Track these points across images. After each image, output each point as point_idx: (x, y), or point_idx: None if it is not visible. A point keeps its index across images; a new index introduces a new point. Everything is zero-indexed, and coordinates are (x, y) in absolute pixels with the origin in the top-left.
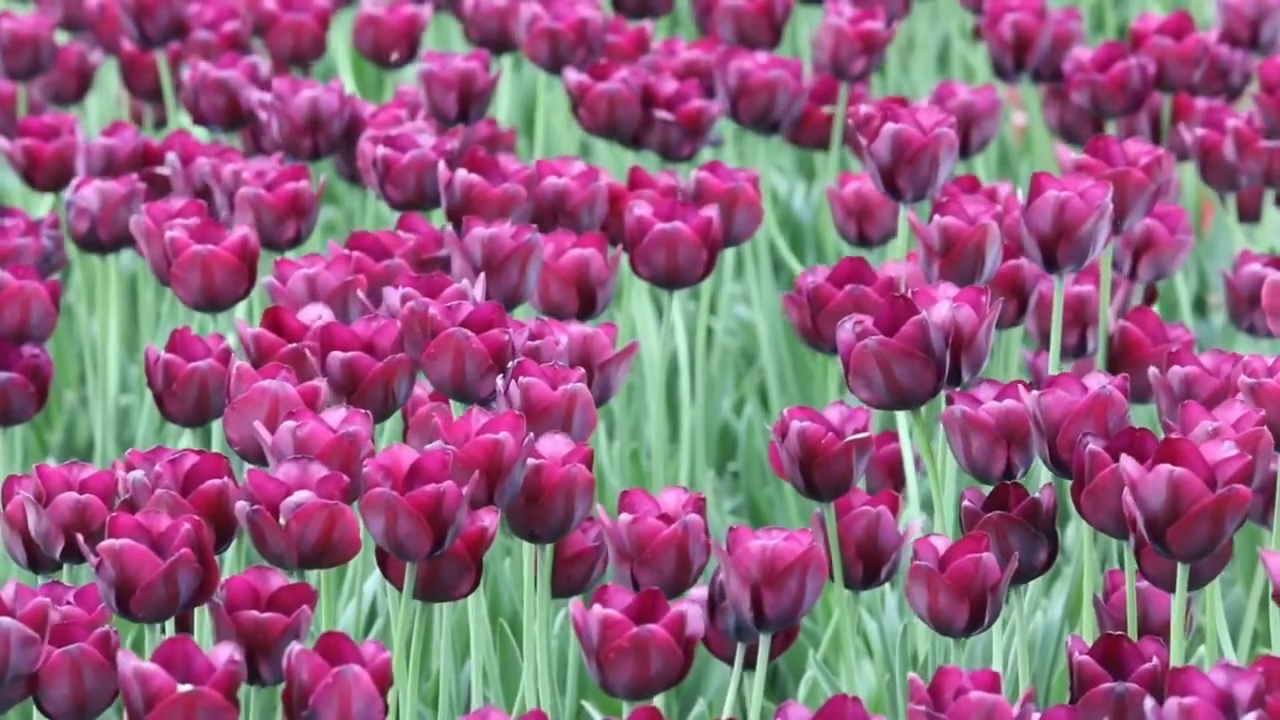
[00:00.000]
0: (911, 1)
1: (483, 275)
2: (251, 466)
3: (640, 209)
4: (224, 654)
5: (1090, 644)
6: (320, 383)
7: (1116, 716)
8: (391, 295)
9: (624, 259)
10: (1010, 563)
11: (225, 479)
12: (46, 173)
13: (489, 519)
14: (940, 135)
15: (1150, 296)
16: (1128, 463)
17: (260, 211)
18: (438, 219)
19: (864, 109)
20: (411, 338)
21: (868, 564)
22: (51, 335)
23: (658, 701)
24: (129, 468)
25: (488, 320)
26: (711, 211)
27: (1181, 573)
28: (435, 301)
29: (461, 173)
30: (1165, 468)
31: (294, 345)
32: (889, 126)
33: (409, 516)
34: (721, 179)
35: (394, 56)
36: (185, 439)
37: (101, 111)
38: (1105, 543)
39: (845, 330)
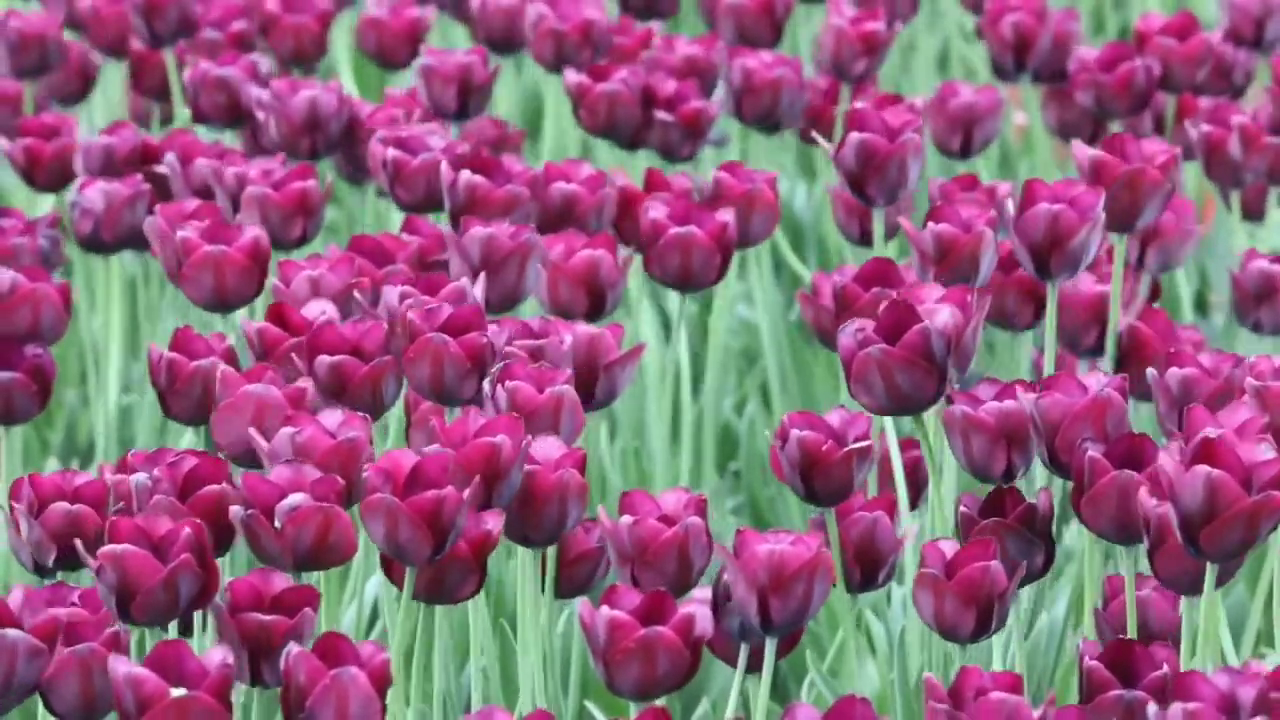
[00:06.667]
0: (918, 2)
1: (484, 275)
2: (244, 469)
3: (655, 211)
4: (217, 657)
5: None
6: (306, 383)
7: None
8: (390, 293)
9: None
10: (1017, 571)
11: (224, 483)
12: (47, 173)
13: (493, 522)
14: (906, 142)
15: (1154, 294)
16: (1165, 460)
17: (267, 211)
18: (445, 220)
19: (858, 105)
20: (395, 341)
21: (865, 568)
22: (61, 337)
23: (659, 701)
24: (130, 469)
25: (466, 323)
26: (727, 216)
27: (1210, 572)
28: (429, 301)
29: (465, 173)
30: (1203, 468)
31: (296, 340)
32: (853, 135)
33: (409, 522)
34: (740, 180)
35: None
36: (187, 439)
37: (108, 112)
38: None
39: (847, 336)
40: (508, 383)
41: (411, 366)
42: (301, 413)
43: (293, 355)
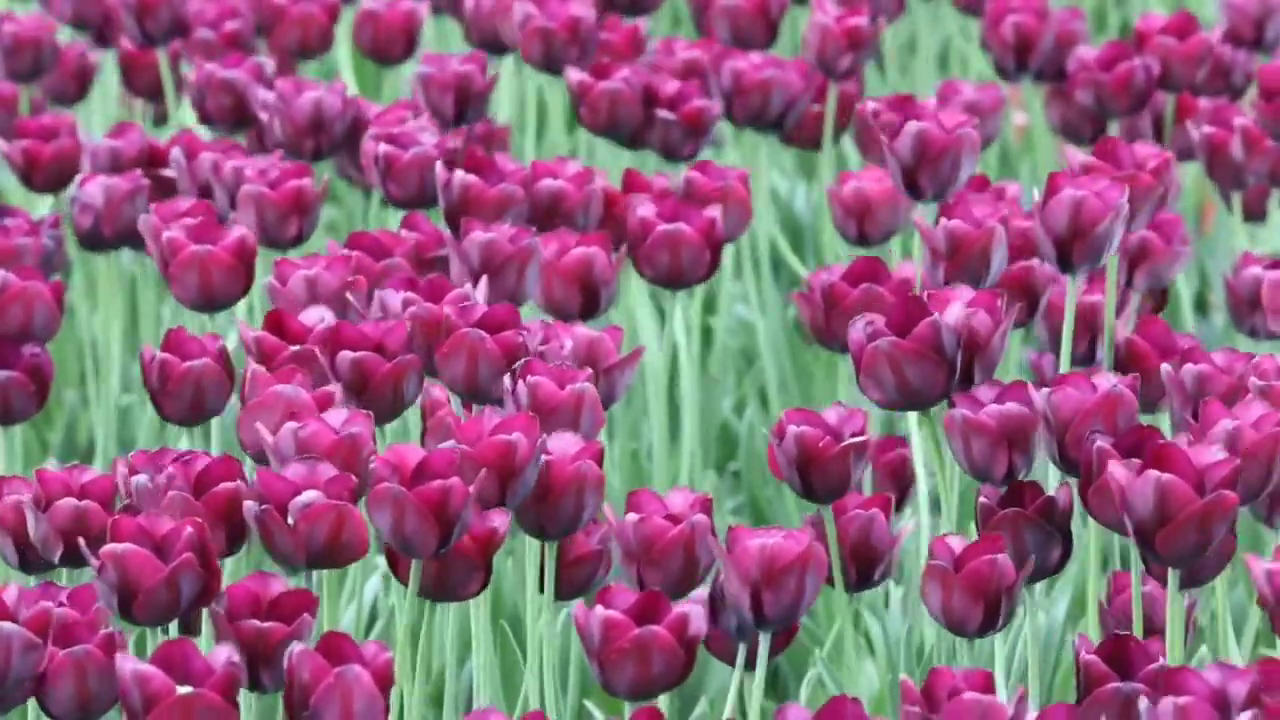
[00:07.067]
0: (906, 2)
1: (485, 278)
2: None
3: (643, 209)
4: (223, 655)
5: (1095, 643)
6: (335, 388)
7: (1123, 716)
8: (392, 297)
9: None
10: (1026, 564)
11: (238, 481)
12: (45, 174)
13: (499, 520)
14: (962, 135)
15: (1159, 304)
16: (1116, 469)
17: (263, 209)
18: (438, 217)
19: (871, 105)
20: (417, 340)
21: (861, 566)
22: (54, 336)
23: (659, 701)
24: (132, 470)
25: (501, 321)
26: (715, 212)
27: (1172, 577)
28: (439, 304)
29: (459, 173)
30: (1152, 473)
31: (296, 348)
32: (911, 125)
33: (416, 512)
34: (711, 178)
35: None
36: (186, 439)
37: (104, 111)
38: (1107, 543)
39: (857, 330)
40: (529, 378)
41: (445, 363)
42: (306, 410)
43: (316, 352)
